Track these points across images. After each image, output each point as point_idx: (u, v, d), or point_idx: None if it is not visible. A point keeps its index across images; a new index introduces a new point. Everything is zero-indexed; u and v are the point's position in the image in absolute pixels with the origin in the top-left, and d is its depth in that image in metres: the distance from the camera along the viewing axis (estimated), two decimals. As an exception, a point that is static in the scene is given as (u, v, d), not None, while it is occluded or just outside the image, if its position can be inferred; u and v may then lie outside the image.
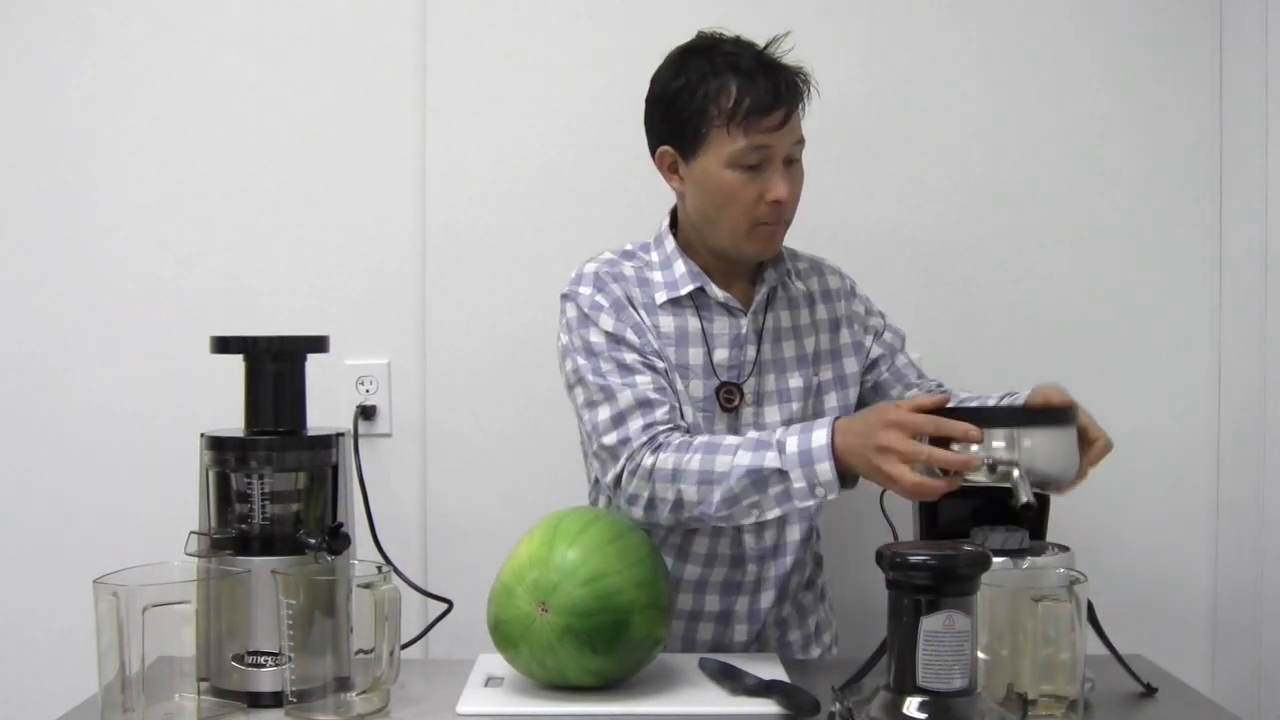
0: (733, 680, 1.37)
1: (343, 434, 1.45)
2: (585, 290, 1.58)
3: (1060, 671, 1.24)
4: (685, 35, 1.60)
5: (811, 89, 1.58)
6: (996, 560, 1.27)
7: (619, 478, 1.49)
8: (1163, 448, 2.05)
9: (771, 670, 1.42)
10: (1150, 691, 1.38)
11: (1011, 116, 2.04)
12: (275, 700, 1.32)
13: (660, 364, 1.56)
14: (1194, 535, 2.06)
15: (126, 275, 2.04)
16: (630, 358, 1.53)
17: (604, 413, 1.51)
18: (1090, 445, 1.38)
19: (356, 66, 2.04)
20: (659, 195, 1.68)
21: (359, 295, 2.05)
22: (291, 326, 1.59)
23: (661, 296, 1.59)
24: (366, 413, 2.04)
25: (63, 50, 2.03)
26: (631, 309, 1.58)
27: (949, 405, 1.44)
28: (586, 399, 1.54)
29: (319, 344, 1.48)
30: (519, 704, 1.34)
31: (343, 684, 1.30)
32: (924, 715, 1.07)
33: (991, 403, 1.57)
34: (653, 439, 1.48)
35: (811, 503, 1.41)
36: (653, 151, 1.60)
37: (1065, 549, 1.38)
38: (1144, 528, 2.05)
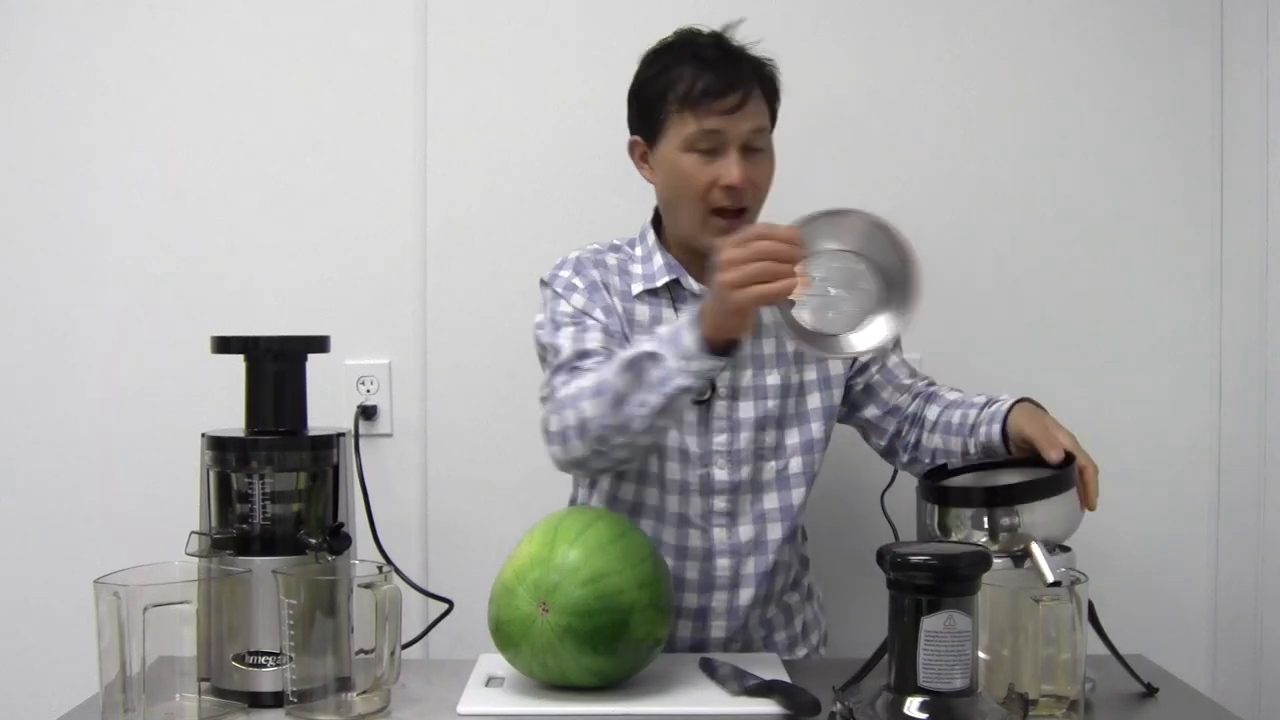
0: (733, 680, 1.37)
1: (343, 434, 1.45)
2: (564, 273, 1.61)
3: (1061, 671, 1.24)
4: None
5: (777, 80, 1.59)
6: (997, 560, 1.27)
7: (543, 424, 1.48)
8: (1163, 448, 2.05)
9: (772, 670, 1.42)
10: (1151, 691, 1.38)
11: (1011, 116, 2.04)
12: (276, 700, 1.32)
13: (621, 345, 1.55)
14: (1194, 535, 2.06)
15: (127, 275, 2.04)
16: (594, 335, 1.54)
17: (548, 370, 1.52)
18: (1081, 473, 1.38)
19: (357, 66, 2.04)
20: (659, 195, 1.68)
21: (359, 295, 2.05)
22: (292, 326, 1.59)
23: (638, 287, 1.60)
24: (367, 413, 2.04)
25: (63, 51, 2.03)
26: (605, 293, 1.59)
27: (949, 466, 1.48)
28: (545, 364, 1.55)
29: (319, 344, 1.48)
30: (519, 704, 1.34)
31: (343, 684, 1.30)
32: (925, 715, 1.07)
33: (978, 400, 1.57)
34: (571, 372, 1.48)
35: (687, 381, 1.36)
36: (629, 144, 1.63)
37: (1066, 549, 1.38)
38: (1144, 528, 2.05)
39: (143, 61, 2.04)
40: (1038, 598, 1.23)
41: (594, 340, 1.52)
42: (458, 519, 2.06)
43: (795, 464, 1.63)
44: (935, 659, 1.07)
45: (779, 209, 1.99)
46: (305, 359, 1.46)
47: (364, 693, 1.30)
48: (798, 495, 1.64)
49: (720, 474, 1.61)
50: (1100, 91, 2.04)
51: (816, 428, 1.64)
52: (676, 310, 1.60)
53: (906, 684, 1.08)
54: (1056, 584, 1.23)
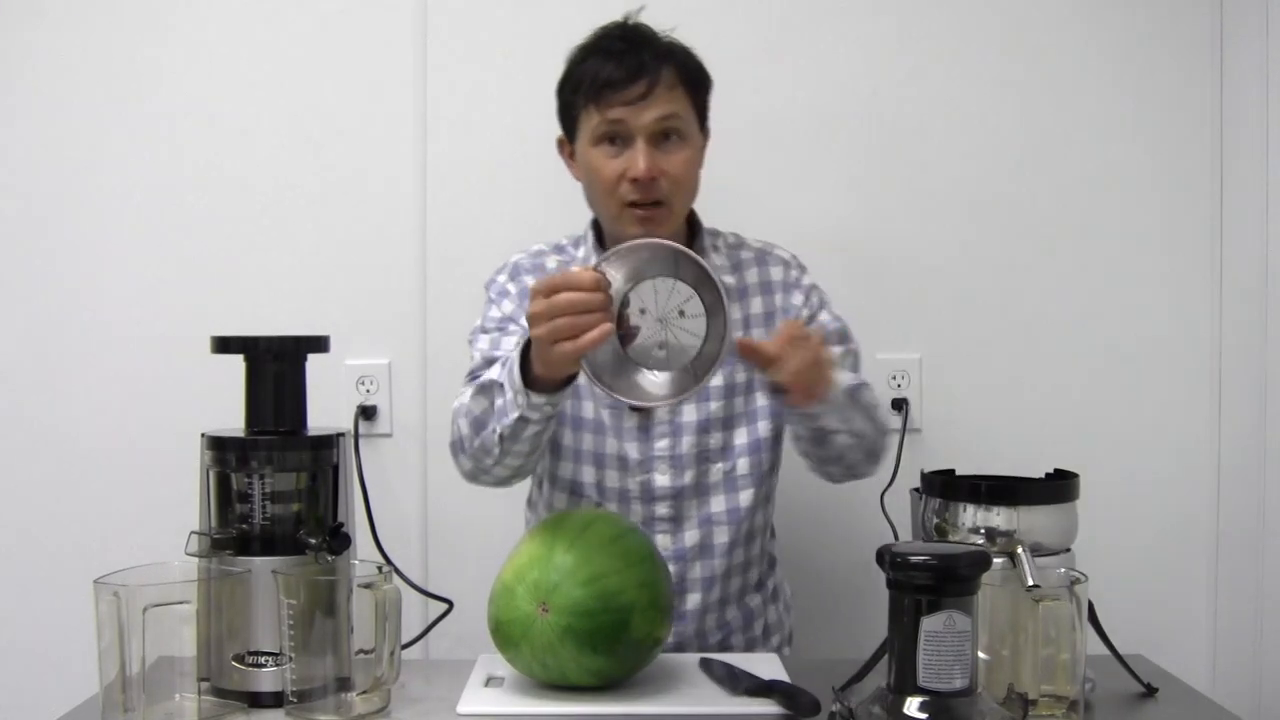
0: (733, 680, 1.37)
1: (343, 434, 1.45)
2: (501, 278, 1.62)
3: (1061, 671, 1.24)
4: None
5: (695, 64, 1.55)
6: (997, 560, 1.27)
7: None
8: (1163, 448, 2.05)
9: (771, 670, 1.42)
10: (1150, 691, 1.38)
11: (1012, 117, 2.04)
12: (275, 700, 1.32)
13: None
14: (1194, 535, 2.06)
15: (126, 275, 2.05)
16: (509, 340, 1.52)
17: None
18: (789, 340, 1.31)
19: (357, 66, 2.04)
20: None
21: (359, 295, 2.05)
22: (291, 326, 1.59)
23: None
24: (367, 413, 2.04)
25: (63, 51, 2.03)
26: None
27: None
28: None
29: (319, 344, 1.48)
30: (519, 704, 1.34)
31: (343, 684, 1.30)
32: (924, 715, 1.07)
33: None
34: (471, 381, 1.48)
35: (521, 413, 1.35)
36: None
37: (1066, 549, 1.38)
38: (1144, 528, 2.05)
39: (142, 61, 2.04)
40: (1038, 598, 1.23)
41: (507, 348, 1.49)
42: (458, 519, 2.06)
43: (743, 465, 1.60)
44: (935, 659, 1.07)
45: (779, 210, 2.00)
46: (305, 359, 1.46)
47: (364, 693, 1.30)
48: (745, 497, 1.61)
49: (662, 479, 1.59)
50: (1100, 91, 2.04)
51: (764, 426, 1.61)
52: None
53: (906, 684, 1.08)
54: (1035, 586, 1.23)
